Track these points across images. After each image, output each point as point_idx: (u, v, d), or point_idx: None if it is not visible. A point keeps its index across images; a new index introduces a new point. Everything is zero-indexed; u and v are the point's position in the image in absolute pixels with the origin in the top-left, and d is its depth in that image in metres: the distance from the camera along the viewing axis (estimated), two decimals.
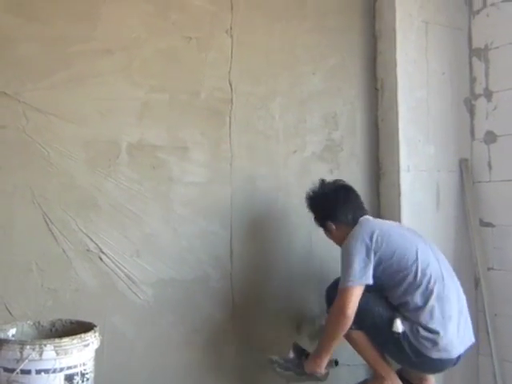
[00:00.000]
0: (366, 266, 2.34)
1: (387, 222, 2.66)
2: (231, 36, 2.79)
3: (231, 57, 2.78)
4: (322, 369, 2.46)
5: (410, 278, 2.36)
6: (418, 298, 2.35)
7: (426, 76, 3.08)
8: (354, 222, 2.52)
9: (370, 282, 2.34)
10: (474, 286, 3.12)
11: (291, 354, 2.57)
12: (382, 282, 2.41)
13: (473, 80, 3.23)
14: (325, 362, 2.46)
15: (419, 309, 2.34)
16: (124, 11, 2.59)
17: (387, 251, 2.37)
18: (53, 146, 2.43)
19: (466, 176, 3.15)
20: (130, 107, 2.57)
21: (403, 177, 2.98)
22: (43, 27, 2.44)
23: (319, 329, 2.79)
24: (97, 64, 2.52)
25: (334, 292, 2.43)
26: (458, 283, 2.49)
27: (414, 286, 2.36)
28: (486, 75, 3.17)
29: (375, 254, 2.36)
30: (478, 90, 3.20)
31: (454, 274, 2.50)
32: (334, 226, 2.57)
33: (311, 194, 2.64)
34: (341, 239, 2.52)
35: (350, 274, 2.33)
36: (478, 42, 3.22)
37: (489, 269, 3.10)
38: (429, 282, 2.35)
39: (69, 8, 2.48)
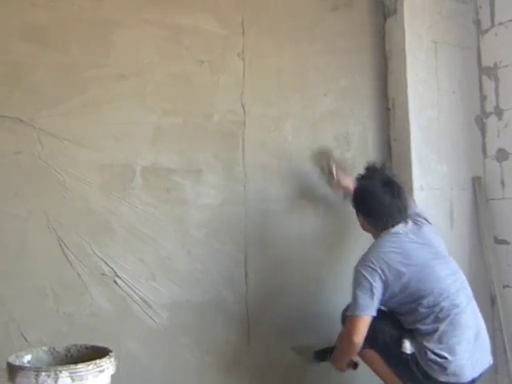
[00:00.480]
0: (371, 298, 2.35)
1: (406, 247, 2.47)
2: (243, 59, 2.81)
3: (243, 79, 2.80)
4: (343, 369, 2.56)
5: (422, 308, 2.35)
6: (428, 325, 2.34)
7: (437, 95, 3.10)
8: (382, 228, 2.50)
9: (375, 314, 2.35)
10: (490, 304, 3.10)
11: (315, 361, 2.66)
12: (394, 308, 2.43)
13: (483, 98, 3.25)
14: (344, 365, 2.54)
15: (429, 334, 2.33)
16: (137, 37, 2.61)
17: (398, 285, 2.36)
18: (68, 171, 2.45)
19: (479, 193, 3.14)
20: (143, 131, 2.59)
21: (416, 195, 2.98)
22: (57, 54, 2.46)
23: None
24: (111, 89, 2.54)
25: None
26: (475, 305, 2.46)
27: (426, 314, 2.35)
28: (496, 93, 3.19)
29: (384, 286, 2.36)
30: (489, 108, 3.21)
31: (471, 294, 2.47)
32: (363, 219, 2.59)
33: (359, 182, 2.61)
34: (366, 230, 2.59)
35: (357, 303, 2.35)
36: (487, 61, 3.24)
37: (504, 286, 3.08)
38: (441, 311, 2.33)
39: (82, 35, 2.51)
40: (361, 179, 2.62)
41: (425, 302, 2.35)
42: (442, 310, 2.34)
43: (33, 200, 2.39)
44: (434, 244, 2.52)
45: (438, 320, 2.33)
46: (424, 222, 2.59)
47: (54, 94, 2.44)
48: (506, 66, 3.14)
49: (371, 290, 2.35)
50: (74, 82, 2.48)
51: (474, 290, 2.63)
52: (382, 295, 2.36)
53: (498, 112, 3.16)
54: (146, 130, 2.59)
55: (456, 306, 2.36)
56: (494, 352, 2.81)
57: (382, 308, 2.47)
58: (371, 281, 2.35)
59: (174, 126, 2.64)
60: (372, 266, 2.38)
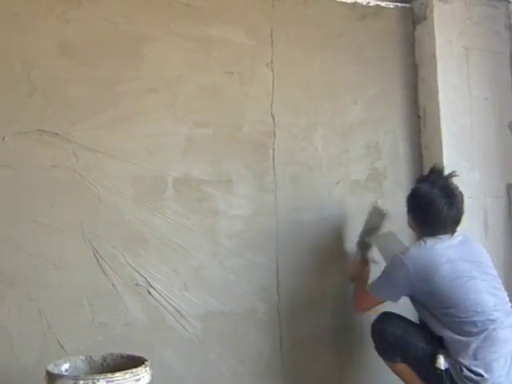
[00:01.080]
0: (392, 289, 2.42)
1: (451, 257, 2.40)
2: (272, 70, 2.83)
3: (272, 90, 2.82)
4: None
5: (454, 314, 2.31)
6: (464, 338, 2.28)
7: (469, 102, 3.07)
8: (429, 235, 2.44)
9: (394, 301, 2.45)
10: None
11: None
12: (428, 314, 2.39)
13: None
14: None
15: (463, 349, 2.28)
16: (166, 50, 2.66)
17: (428, 290, 2.34)
18: (102, 183, 2.49)
19: None
20: (175, 143, 2.62)
21: None
22: (91, 69, 2.52)
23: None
24: (142, 102, 2.59)
25: (379, 326, 2.47)
26: None
27: (458, 323, 2.30)
28: None
29: (411, 288, 2.37)
30: None
31: (509, 307, 2.41)
32: (412, 221, 2.56)
33: (421, 185, 2.55)
34: (412, 228, 2.60)
35: (376, 283, 2.47)
36: None
37: None
38: (475, 325, 2.28)
39: (114, 50, 2.57)
40: (423, 182, 2.56)
41: (456, 311, 2.30)
42: (475, 324, 2.28)
43: (68, 212, 2.44)
44: (478, 259, 2.46)
45: (471, 334, 2.28)
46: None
47: (88, 108, 2.50)
48: None
49: (393, 282, 2.41)
50: (107, 95, 2.54)
51: (509, 297, 2.57)
52: (407, 290, 2.39)
53: None
54: (178, 142, 2.63)
55: (493, 321, 2.29)
56: None
57: (416, 321, 2.46)
58: (398, 273, 2.39)
59: (205, 137, 2.67)
60: (405, 260, 2.37)
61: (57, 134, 2.44)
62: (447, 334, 2.33)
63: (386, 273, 2.46)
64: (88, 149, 2.48)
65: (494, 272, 2.48)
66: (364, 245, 2.76)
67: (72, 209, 2.45)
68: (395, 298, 2.46)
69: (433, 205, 2.44)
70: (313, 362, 2.77)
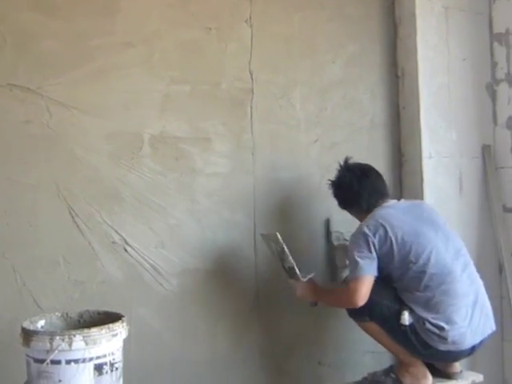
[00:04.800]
0: (370, 261, 2.39)
1: (402, 206, 2.57)
2: (251, 26, 2.78)
3: (251, 47, 2.78)
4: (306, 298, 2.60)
5: (414, 273, 2.38)
6: (422, 293, 2.36)
7: (447, 62, 3.07)
8: (369, 209, 2.54)
9: (376, 274, 2.39)
10: (497, 271, 3.11)
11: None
12: (387, 273, 2.43)
13: (494, 65, 3.21)
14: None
15: (424, 303, 2.36)
16: (143, 4, 2.59)
17: (390, 250, 2.39)
18: (76, 140, 2.45)
19: (489, 162, 3.13)
20: (151, 99, 2.58)
21: (425, 164, 2.98)
22: (64, 23, 2.44)
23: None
24: (118, 57, 2.53)
25: None
26: (474, 273, 2.48)
27: (418, 280, 2.37)
28: (508, 60, 3.15)
29: (379, 249, 2.39)
30: (500, 75, 3.18)
31: (470, 262, 2.49)
32: (353, 213, 2.64)
33: (332, 182, 2.66)
34: (362, 220, 2.57)
35: (357, 266, 2.38)
36: (499, 27, 3.19)
37: None
38: (431, 279, 2.36)
39: (89, 3, 2.49)
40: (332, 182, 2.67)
41: (417, 265, 2.37)
42: (431, 277, 2.36)
43: (42, 169, 2.40)
44: (430, 217, 2.55)
45: (429, 289, 2.36)
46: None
47: (62, 63, 2.44)
48: None
49: (369, 251, 2.39)
50: (81, 50, 2.47)
51: (481, 257, 2.65)
52: (380, 254, 2.39)
53: (510, 79, 3.13)
54: (154, 98, 2.59)
55: (449, 274, 2.37)
56: (501, 319, 2.84)
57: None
58: (368, 240, 2.40)
59: (182, 94, 2.63)
60: (366, 230, 2.42)
61: (29, 88, 2.37)
62: (409, 294, 2.40)
63: (356, 250, 2.41)
64: (62, 104, 2.42)
65: (448, 228, 2.55)
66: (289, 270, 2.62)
67: (46, 166, 2.40)
68: (375, 270, 2.41)
69: (344, 186, 2.60)
70: (289, 320, 2.81)
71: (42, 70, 2.40)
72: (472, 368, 2.80)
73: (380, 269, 2.41)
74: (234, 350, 2.72)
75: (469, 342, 2.37)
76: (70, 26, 2.45)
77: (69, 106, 2.44)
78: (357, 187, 2.56)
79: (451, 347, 2.35)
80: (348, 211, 2.67)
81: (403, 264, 2.39)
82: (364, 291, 2.36)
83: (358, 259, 2.38)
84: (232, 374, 2.71)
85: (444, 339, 2.33)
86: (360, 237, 2.43)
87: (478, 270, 2.52)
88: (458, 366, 2.59)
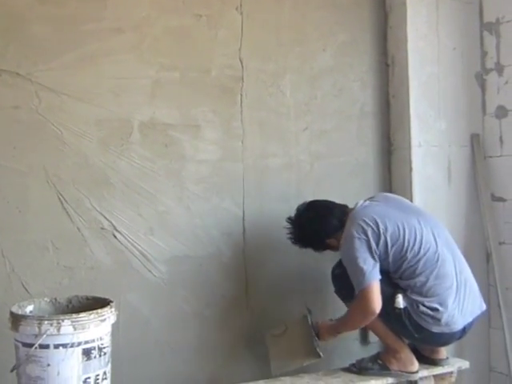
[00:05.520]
0: (374, 262, 2.38)
1: (375, 204, 2.56)
2: (241, 13, 2.78)
3: (241, 34, 2.77)
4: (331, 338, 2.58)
5: (406, 264, 2.40)
6: (416, 278, 2.39)
7: (437, 51, 3.07)
8: (342, 223, 2.52)
9: (380, 276, 2.37)
10: (485, 260, 3.13)
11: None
12: (384, 266, 2.44)
13: (484, 54, 3.21)
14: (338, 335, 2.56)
15: (419, 288, 2.39)
16: None
17: (384, 245, 2.40)
18: (66, 126, 2.45)
19: (478, 151, 3.14)
20: (141, 86, 2.58)
21: (414, 152, 2.99)
22: (54, 7, 2.44)
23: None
24: (108, 43, 2.52)
25: (339, 270, 2.52)
26: (459, 255, 2.51)
27: (413, 268, 2.39)
28: (498, 49, 3.15)
29: (376, 244, 2.39)
30: (489, 64, 3.18)
31: (454, 246, 2.52)
32: (335, 240, 2.56)
33: (292, 236, 2.63)
34: (334, 246, 2.59)
35: (363, 275, 2.35)
36: (489, 16, 3.19)
37: (500, 243, 3.10)
38: (427, 262, 2.39)
39: None
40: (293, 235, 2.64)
41: (408, 254, 2.39)
42: (425, 263, 2.39)
43: (31, 154, 2.40)
44: (408, 205, 2.62)
45: (423, 274, 2.39)
46: None
47: (51, 48, 2.44)
48: (508, 22, 3.09)
49: (368, 260, 2.36)
50: (71, 35, 2.47)
51: (470, 246, 2.66)
52: (379, 251, 2.39)
53: (499, 68, 3.13)
54: (144, 85, 2.59)
55: (439, 258, 2.41)
56: (488, 307, 2.86)
57: None
58: (362, 249, 2.37)
59: (172, 81, 2.63)
60: (357, 240, 2.39)
61: (18, 74, 2.37)
62: (403, 281, 2.43)
63: (357, 259, 2.38)
64: (51, 90, 2.42)
65: (429, 213, 2.58)
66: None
67: (35, 151, 2.41)
68: (378, 272, 2.40)
69: (306, 224, 2.58)
70: (277, 306, 2.83)
71: (31, 55, 2.40)
72: (459, 355, 2.84)
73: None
74: (221, 335, 2.73)
75: (460, 322, 2.40)
76: (60, 10, 2.45)
77: (58, 91, 2.44)
78: (314, 214, 2.57)
79: (444, 329, 2.38)
80: (328, 246, 2.61)
81: (398, 254, 2.40)
82: (376, 297, 2.33)
83: (362, 266, 2.35)
84: (219, 360, 2.73)
85: (438, 320, 2.36)
86: (354, 241, 2.39)
87: (466, 259, 2.55)
88: (444, 353, 2.62)
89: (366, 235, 2.39)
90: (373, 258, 2.38)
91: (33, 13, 2.41)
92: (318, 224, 2.56)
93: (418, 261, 2.39)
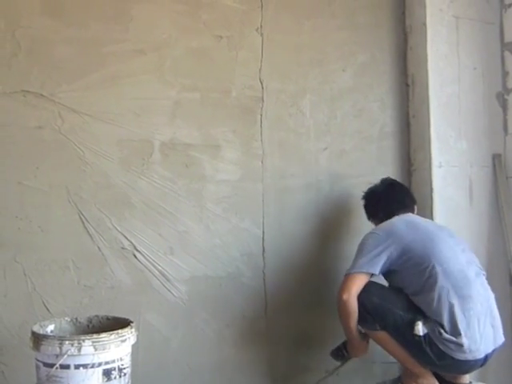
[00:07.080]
0: (375, 258, 2.41)
1: (415, 221, 2.61)
2: (261, 34, 2.80)
3: (262, 55, 2.79)
4: (363, 348, 2.54)
5: (427, 279, 2.36)
6: (436, 299, 2.33)
7: (458, 71, 3.06)
8: (386, 219, 2.59)
9: (376, 272, 2.41)
10: (508, 282, 3.08)
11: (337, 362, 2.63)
12: (401, 280, 2.44)
13: (505, 74, 3.19)
14: (358, 341, 2.50)
15: (439, 310, 2.32)
16: (155, 11, 2.62)
17: (403, 253, 2.41)
18: (88, 146, 2.48)
19: (499, 171, 3.11)
20: (162, 106, 2.60)
21: (435, 173, 2.96)
22: (77, 30, 2.48)
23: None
24: (129, 64, 2.55)
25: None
26: (484, 281, 2.46)
27: (432, 287, 2.35)
28: None
29: (389, 253, 2.41)
30: (511, 84, 3.16)
31: (482, 272, 2.48)
32: (371, 220, 2.74)
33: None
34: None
35: (356, 263, 2.42)
36: (510, 36, 3.17)
37: None
38: (450, 277, 2.35)
39: (101, 10, 2.53)
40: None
41: (432, 271, 2.36)
42: (448, 277, 2.36)
43: (54, 174, 2.43)
44: (443, 227, 2.61)
45: (446, 292, 2.33)
46: None
47: (74, 69, 2.47)
48: None
49: (374, 255, 2.41)
50: (94, 57, 2.50)
51: (492, 268, 2.62)
52: (386, 259, 2.40)
53: None
54: (165, 106, 2.61)
55: (464, 278, 2.37)
56: (511, 331, 2.81)
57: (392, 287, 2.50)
58: (375, 245, 2.43)
59: (193, 102, 2.65)
60: (375, 230, 2.53)
61: (42, 95, 2.41)
62: (425, 300, 2.37)
63: (360, 252, 2.47)
64: (74, 111, 2.45)
65: (454, 233, 2.59)
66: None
67: (57, 171, 2.43)
68: (376, 268, 2.42)
69: (369, 194, 2.75)
70: (297, 327, 2.81)
71: (54, 76, 2.44)
72: (481, 380, 2.78)
73: (395, 280, 2.44)
74: (241, 357, 2.71)
75: (483, 349, 2.33)
76: (82, 32, 2.49)
77: (80, 112, 2.47)
78: (378, 196, 2.69)
79: (468, 356, 2.30)
80: (372, 222, 2.73)
81: (416, 274, 2.38)
82: (351, 287, 2.38)
83: (362, 256, 2.43)
84: (239, 381, 2.70)
85: (461, 346, 2.28)
86: (378, 237, 2.47)
87: (489, 282, 2.51)
88: (467, 377, 2.56)
89: (390, 241, 2.43)
90: (378, 256, 2.40)
91: (57, 35, 2.45)
92: (369, 203, 2.75)
93: (438, 275, 2.36)
